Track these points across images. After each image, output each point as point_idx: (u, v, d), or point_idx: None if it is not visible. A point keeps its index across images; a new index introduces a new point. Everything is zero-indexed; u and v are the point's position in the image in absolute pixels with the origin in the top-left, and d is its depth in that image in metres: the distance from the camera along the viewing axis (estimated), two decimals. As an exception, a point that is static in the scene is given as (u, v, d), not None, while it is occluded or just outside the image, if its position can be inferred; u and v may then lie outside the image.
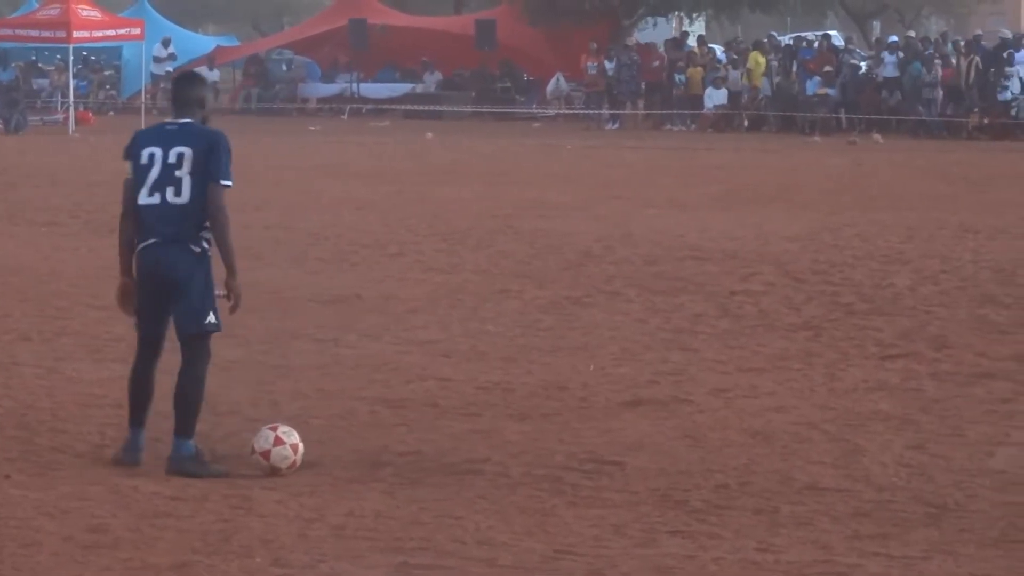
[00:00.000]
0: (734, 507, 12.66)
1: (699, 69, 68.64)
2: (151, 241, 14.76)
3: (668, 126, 64.29)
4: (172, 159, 14.92)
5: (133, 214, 14.86)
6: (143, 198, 14.76)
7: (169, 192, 14.80)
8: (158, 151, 14.91)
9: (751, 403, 16.51)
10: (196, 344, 14.92)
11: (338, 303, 22.26)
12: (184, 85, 16.13)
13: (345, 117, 67.78)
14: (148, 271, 14.84)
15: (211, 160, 14.87)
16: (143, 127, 47.69)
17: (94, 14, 65.96)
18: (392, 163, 47.17)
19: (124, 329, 20.18)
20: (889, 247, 27.33)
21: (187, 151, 14.84)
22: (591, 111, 66.89)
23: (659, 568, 10.90)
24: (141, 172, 14.86)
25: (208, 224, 14.68)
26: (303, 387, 16.64)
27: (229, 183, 14.71)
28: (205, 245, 14.75)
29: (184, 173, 14.75)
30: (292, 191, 38.28)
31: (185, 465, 14.20)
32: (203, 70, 77.14)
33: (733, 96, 65.52)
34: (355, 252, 27.05)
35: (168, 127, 15.40)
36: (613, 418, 15.69)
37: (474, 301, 22.47)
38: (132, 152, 15.03)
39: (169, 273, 14.75)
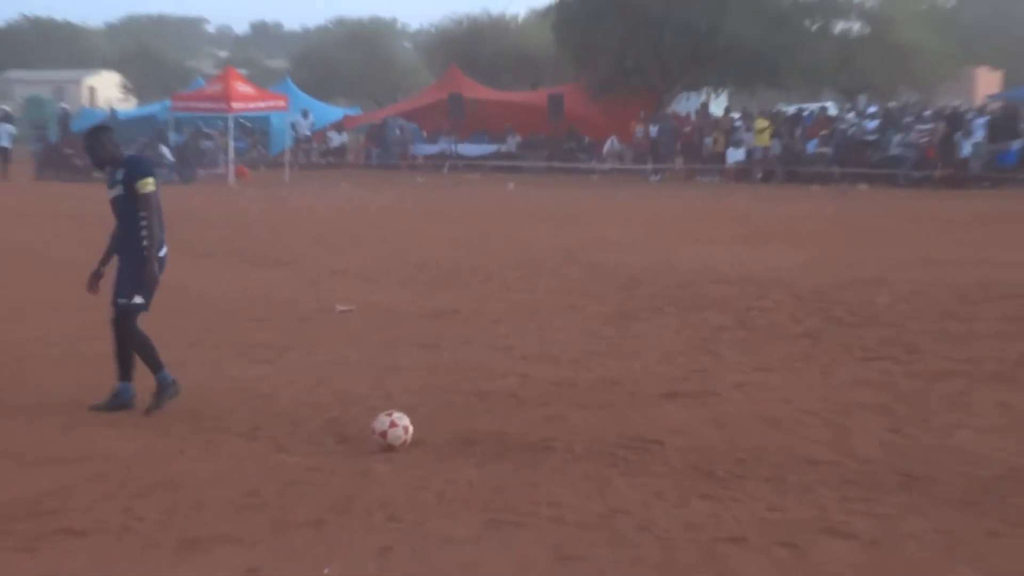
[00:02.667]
0: (750, 476, 12.74)
1: (722, 133, 68.57)
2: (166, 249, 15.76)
3: (699, 178, 63.97)
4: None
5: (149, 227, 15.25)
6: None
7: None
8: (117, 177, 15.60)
9: (763, 395, 16.53)
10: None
11: (439, 317, 22.28)
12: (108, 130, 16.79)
13: (445, 171, 67.54)
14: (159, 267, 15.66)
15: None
16: (286, 179, 47.80)
17: (248, 89, 65.90)
18: (481, 208, 47.06)
19: (270, 336, 20.39)
20: (871, 274, 27.25)
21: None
22: (638, 167, 66.68)
23: (691, 524, 11.03)
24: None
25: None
26: (411, 383, 16.70)
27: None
28: None
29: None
30: (402, 230, 38.24)
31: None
32: (333, 134, 77.52)
33: (749, 154, 65.36)
34: (452, 277, 27.06)
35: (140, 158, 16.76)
36: (655, 407, 15.72)
37: (546, 315, 22.48)
38: (152, 172, 15.75)
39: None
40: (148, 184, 15.26)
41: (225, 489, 12.41)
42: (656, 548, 10.54)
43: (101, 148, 15.96)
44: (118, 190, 15.30)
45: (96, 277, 15.57)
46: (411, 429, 13.92)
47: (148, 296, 15.37)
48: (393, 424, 13.91)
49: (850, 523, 11.27)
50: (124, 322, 15.35)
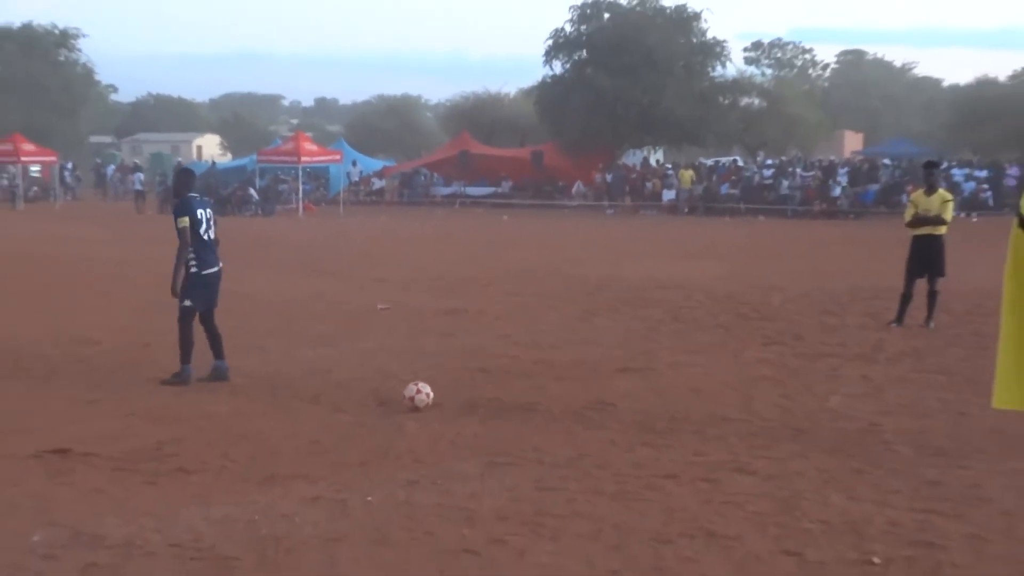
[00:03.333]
0: (680, 430, 12.71)
1: (658, 179, 68.71)
2: (217, 267, 15.76)
3: (642, 212, 63.73)
4: (210, 214, 15.73)
5: (193, 244, 15.32)
6: (204, 234, 15.53)
7: (212, 231, 15.65)
8: (204, 211, 15.61)
9: (690, 370, 16.48)
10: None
11: (452, 314, 22.20)
12: (193, 177, 16.73)
13: (456, 207, 67.50)
14: (212, 280, 15.67)
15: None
16: (341, 212, 47.07)
17: (313, 147, 66.00)
18: (483, 234, 46.95)
19: (328, 328, 20.27)
20: (768, 282, 27.22)
21: (212, 212, 15.77)
22: (598, 204, 66.54)
23: (637, 464, 11.03)
24: (199, 222, 15.42)
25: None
26: (432, 362, 16.62)
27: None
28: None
29: (213, 223, 15.75)
30: (425, 250, 38.17)
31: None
32: (375, 179, 77.64)
33: (678, 194, 65.31)
34: (462, 285, 26.97)
35: (200, 199, 15.89)
36: (611, 379, 15.67)
37: (532, 313, 22.42)
38: (191, 211, 15.37)
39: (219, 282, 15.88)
40: (181, 222, 15.29)
41: (295, 439, 12.39)
42: (611, 481, 10.50)
43: (177, 185, 16.20)
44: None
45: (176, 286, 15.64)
46: (431, 395, 13.90)
47: (196, 301, 15.38)
48: (419, 391, 13.89)
49: (753, 464, 11.26)
50: (180, 318, 15.38)
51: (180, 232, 15.31)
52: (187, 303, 15.39)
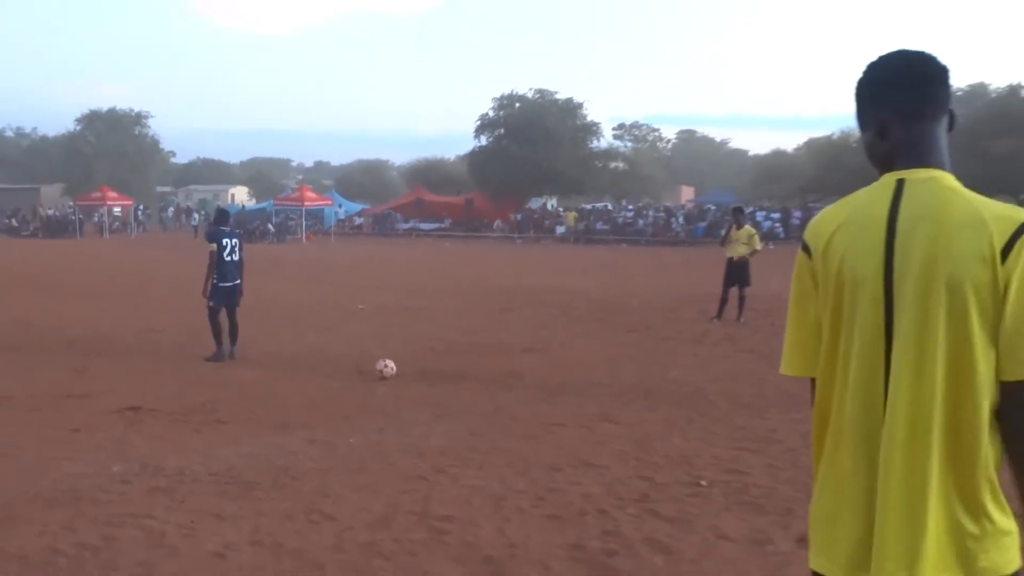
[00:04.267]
0: (568, 392, 12.65)
1: (552, 218, 68.92)
2: (234, 282, 15.73)
3: (542, 242, 63.78)
4: (235, 242, 15.66)
5: (217, 266, 15.54)
6: (227, 258, 15.59)
7: (235, 255, 15.64)
8: (228, 241, 15.65)
9: (575, 350, 16.44)
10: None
11: (410, 310, 22.10)
12: (228, 215, 16.74)
13: (413, 237, 67.29)
14: (230, 290, 15.60)
15: (243, 244, 16.10)
16: (332, 241, 46.23)
17: (312, 195, 66.08)
18: (431, 256, 46.80)
19: (325, 320, 20.07)
20: (629, 290, 27.24)
21: (238, 241, 15.76)
22: (512, 235, 66.54)
23: (537, 415, 11.01)
24: (224, 248, 15.54)
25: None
26: (397, 343, 16.45)
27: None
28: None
29: (239, 249, 15.68)
30: (392, 266, 38.01)
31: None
32: (356, 218, 77.46)
33: (567, 229, 65.52)
34: (417, 290, 26.84)
35: (228, 230, 15.97)
36: (520, 356, 15.60)
37: (466, 310, 22.34)
38: (218, 240, 15.59)
39: (237, 293, 15.77)
40: (210, 247, 15.64)
41: (299, 398, 12.27)
42: (519, 427, 10.46)
43: (215, 220, 16.38)
44: None
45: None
46: (395, 368, 13.80)
47: (217, 302, 15.55)
48: (386, 365, 13.77)
49: (617, 415, 11.22)
50: (209, 314, 15.59)
51: (209, 254, 15.66)
52: (211, 303, 15.66)
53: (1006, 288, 2.34)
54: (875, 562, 2.42)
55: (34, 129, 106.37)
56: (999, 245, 2.35)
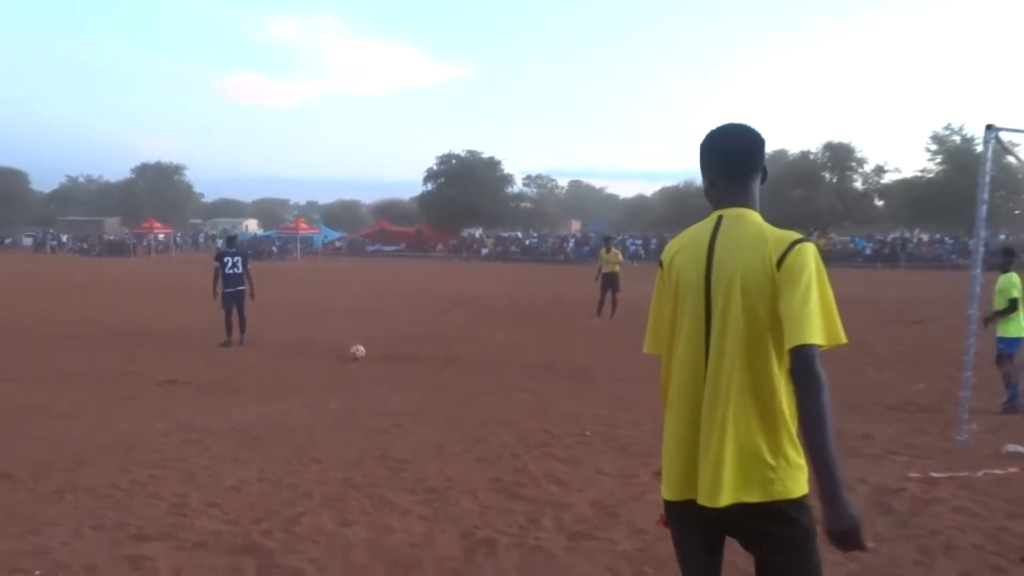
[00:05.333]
0: (492, 369, 12.66)
1: (478, 243, 68.83)
2: (235, 288, 15.42)
3: (472, 261, 63.50)
4: (237, 260, 15.40)
5: (219, 277, 15.37)
6: (229, 271, 15.37)
7: (237, 268, 15.35)
8: (230, 259, 15.44)
9: (495, 339, 16.33)
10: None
11: (376, 310, 21.91)
12: (235, 240, 16.72)
13: (378, 257, 66.67)
14: (233, 294, 15.35)
15: (247, 260, 15.63)
16: (319, 259, 45.39)
17: (305, 225, 65.80)
18: (391, 271, 46.26)
19: (313, 316, 19.69)
20: (533, 294, 27.25)
21: (240, 259, 15.37)
22: (450, 255, 66.24)
23: (469, 386, 10.91)
24: (224, 265, 15.35)
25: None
26: (366, 334, 16.13)
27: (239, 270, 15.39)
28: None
29: (240, 265, 15.30)
30: (362, 279, 37.57)
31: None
32: (337, 243, 76.56)
33: (490, 251, 65.44)
34: (381, 295, 26.58)
35: (231, 251, 15.70)
36: (457, 343, 15.50)
37: (416, 309, 22.16)
38: (220, 259, 15.48)
39: (240, 296, 15.37)
40: (216, 263, 15.60)
41: (293, 375, 12.09)
42: (455, 395, 10.42)
43: (225, 242, 16.39)
44: None
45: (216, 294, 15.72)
46: (364, 351, 13.67)
47: (225, 303, 15.36)
48: (358, 349, 13.63)
49: (527, 385, 11.22)
50: (225, 311, 15.43)
51: (215, 268, 15.57)
52: (223, 305, 15.48)
53: (781, 286, 2.49)
54: (700, 488, 2.52)
55: (100, 176, 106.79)
56: (775, 257, 2.50)
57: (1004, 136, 8.23)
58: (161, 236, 72.03)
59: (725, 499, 2.46)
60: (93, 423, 8.82)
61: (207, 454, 7.44)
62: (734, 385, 2.50)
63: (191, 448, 7.65)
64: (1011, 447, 7.77)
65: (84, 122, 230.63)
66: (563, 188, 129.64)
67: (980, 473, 6.84)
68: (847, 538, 2.32)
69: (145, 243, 68.88)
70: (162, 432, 8.34)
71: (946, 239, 56.75)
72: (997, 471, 6.91)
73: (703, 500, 2.50)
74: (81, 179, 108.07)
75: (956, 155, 59.97)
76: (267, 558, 5.00)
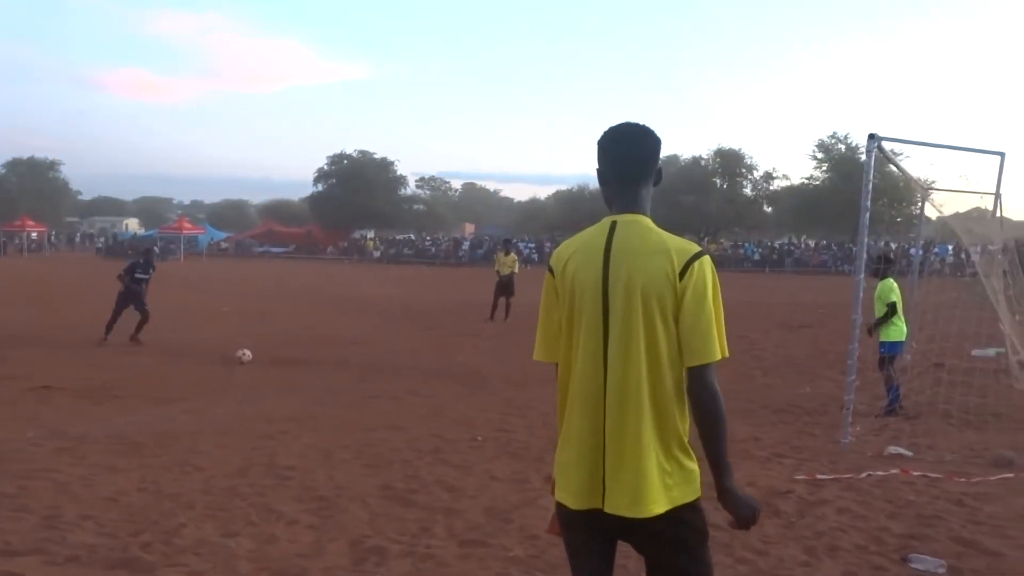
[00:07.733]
0: (382, 374, 12.55)
1: (371, 243, 68.42)
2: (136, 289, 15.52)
3: (363, 262, 62.95)
4: (142, 269, 15.60)
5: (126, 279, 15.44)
6: (139, 276, 15.57)
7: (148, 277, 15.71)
8: (143, 275, 15.73)
9: (388, 343, 16.28)
10: None
11: (266, 312, 21.46)
12: (152, 250, 17.13)
13: (266, 258, 65.39)
14: (133, 293, 15.54)
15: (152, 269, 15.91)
16: (204, 259, 43.79)
17: (189, 225, 63.92)
18: (281, 272, 45.39)
19: (195, 320, 19.17)
20: (428, 298, 27.18)
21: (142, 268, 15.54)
22: (341, 257, 65.51)
23: (360, 391, 10.84)
24: (137, 272, 15.50)
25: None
26: (254, 338, 15.81)
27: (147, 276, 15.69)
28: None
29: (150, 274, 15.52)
30: (249, 280, 36.69)
31: None
32: (222, 243, 74.44)
33: (382, 253, 64.96)
34: (270, 297, 26.06)
35: (140, 263, 15.91)
36: (348, 347, 15.35)
37: (309, 312, 21.85)
38: (132, 273, 15.62)
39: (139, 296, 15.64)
40: (126, 270, 15.72)
41: (178, 378, 11.71)
42: (346, 399, 10.30)
43: (146, 255, 16.41)
44: None
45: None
46: (251, 355, 13.39)
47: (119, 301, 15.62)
48: (244, 353, 13.38)
49: (419, 389, 11.19)
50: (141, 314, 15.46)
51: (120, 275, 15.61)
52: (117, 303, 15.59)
53: (682, 298, 2.51)
54: (607, 498, 2.53)
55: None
56: (678, 268, 2.52)
57: (886, 145, 8.64)
58: (35, 235, 69.67)
59: (657, 508, 2.50)
60: (-44, 432, 8.35)
61: (82, 463, 7.10)
62: (643, 393, 2.51)
63: (65, 457, 7.29)
64: (893, 448, 8.09)
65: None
66: (457, 190, 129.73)
67: (864, 475, 7.07)
68: (752, 520, 2.58)
69: (17, 242, 66.30)
70: (33, 440, 7.93)
71: (832, 245, 58.78)
72: (880, 472, 7.17)
73: (626, 510, 2.51)
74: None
75: (841, 163, 61.22)
76: (146, 572, 4.80)
